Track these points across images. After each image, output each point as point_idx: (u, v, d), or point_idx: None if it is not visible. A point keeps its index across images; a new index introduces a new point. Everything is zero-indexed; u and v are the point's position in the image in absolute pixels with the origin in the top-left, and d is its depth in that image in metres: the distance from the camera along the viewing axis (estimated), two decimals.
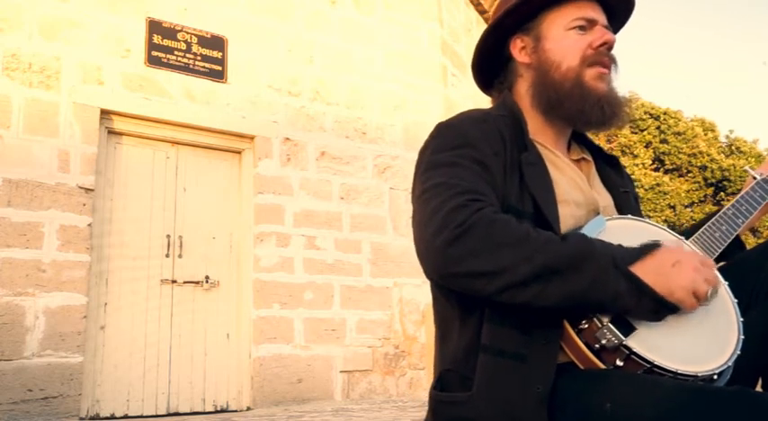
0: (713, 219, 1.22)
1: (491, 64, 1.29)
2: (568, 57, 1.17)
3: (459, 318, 1.08)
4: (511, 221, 0.98)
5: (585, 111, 1.16)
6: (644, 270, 0.95)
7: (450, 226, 0.97)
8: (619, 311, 0.96)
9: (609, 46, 1.18)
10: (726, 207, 1.26)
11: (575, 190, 1.16)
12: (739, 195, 1.29)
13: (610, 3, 1.24)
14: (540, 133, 1.21)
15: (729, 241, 1.19)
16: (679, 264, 0.97)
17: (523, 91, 1.24)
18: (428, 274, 1.03)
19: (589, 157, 1.28)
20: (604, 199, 1.21)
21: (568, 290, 0.94)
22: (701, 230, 1.20)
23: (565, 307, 0.97)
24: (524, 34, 1.22)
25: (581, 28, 1.18)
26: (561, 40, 1.18)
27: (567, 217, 1.10)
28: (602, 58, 1.17)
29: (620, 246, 0.99)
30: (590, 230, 1.05)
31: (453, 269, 0.97)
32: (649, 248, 0.98)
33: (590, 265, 0.94)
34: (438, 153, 1.10)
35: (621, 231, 1.07)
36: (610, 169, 1.29)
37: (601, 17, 1.20)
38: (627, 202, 1.24)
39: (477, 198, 1.00)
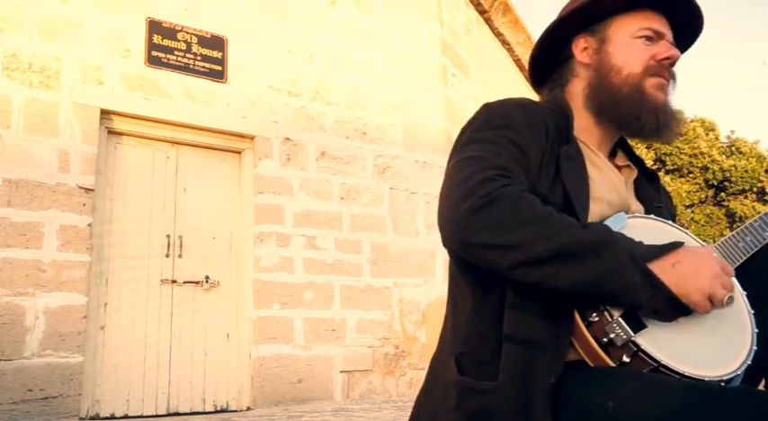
0: (738, 229, 1.20)
1: (549, 61, 1.29)
2: (631, 63, 1.17)
3: (476, 300, 1.08)
4: (536, 201, 0.98)
5: (641, 118, 1.16)
6: (662, 268, 0.95)
7: (476, 195, 0.97)
8: (630, 305, 0.95)
9: (673, 61, 1.18)
10: (753, 219, 1.24)
11: (610, 190, 1.16)
12: None
13: (679, 21, 1.24)
14: (586, 133, 1.21)
15: (753, 253, 1.17)
16: (699, 267, 0.96)
17: (578, 91, 1.24)
18: (446, 241, 1.02)
19: (633, 167, 1.27)
20: (637, 206, 1.20)
21: (582, 275, 0.93)
22: (724, 238, 1.18)
23: (576, 292, 0.96)
24: (589, 35, 1.23)
25: (648, 38, 1.19)
26: (626, 46, 1.19)
27: (596, 215, 1.09)
28: (664, 71, 1.18)
29: (641, 242, 0.98)
30: (610, 225, 1.04)
31: (472, 238, 0.97)
32: (670, 247, 0.98)
33: (607, 255, 0.94)
34: (479, 131, 1.11)
35: (643, 230, 1.05)
36: (648, 184, 1.29)
37: (668, 32, 1.21)
38: (659, 216, 1.22)
39: (506, 174, 1.01)
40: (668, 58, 1.18)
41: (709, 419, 0.84)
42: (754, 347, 1.01)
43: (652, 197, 1.26)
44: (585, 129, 1.21)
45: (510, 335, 1.01)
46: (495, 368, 1.01)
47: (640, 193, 1.25)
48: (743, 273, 1.14)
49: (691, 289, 0.94)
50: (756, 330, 1.03)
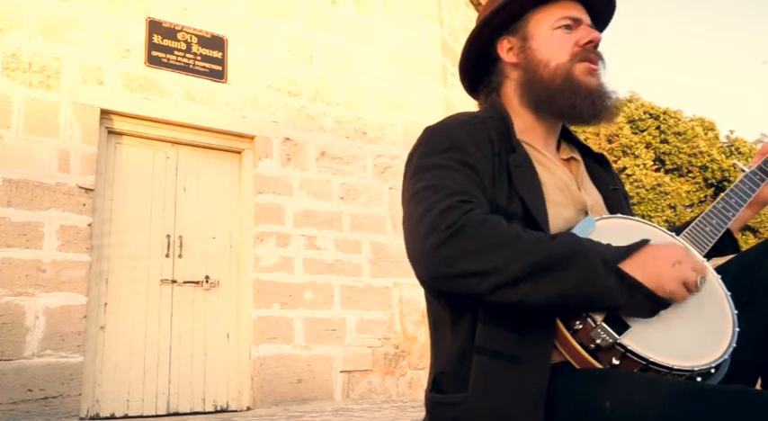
0: (703, 214, 1.22)
1: (477, 67, 1.31)
2: (557, 54, 1.19)
3: (452, 320, 1.09)
4: (501, 222, 0.99)
5: (577, 106, 1.17)
6: (632, 266, 0.96)
7: (441, 227, 0.97)
8: (610, 308, 0.96)
9: (595, 43, 1.20)
10: (715, 201, 1.26)
11: (563, 191, 1.17)
12: (729, 188, 1.29)
13: (592, 5, 1.26)
14: (529, 132, 1.22)
15: (720, 235, 1.19)
16: (666, 257, 0.98)
17: (511, 91, 1.25)
18: (420, 277, 1.03)
19: (578, 156, 1.28)
20: (593, 198, 1.22)
21: (558, 287, 0.94)
22: (691, 225, 1.20)
23: (556, 305, 0.97)
24: (511, 35, 1.24)
25: (567, 27, 1.20)
26: (548, 38, 1.20)
27: (556, 218, 1.10)
28: (590, 54, 1.19)
29: (609, 245, 0.99)
30: (580, 230, 1.05)
31: (445, 270, 0.97)
32: (637, 246, 0.99)
33: (579, 263, 0.94)
34: (426, 157, 1.11)
35: (612, 230, 1.07)
36: (599, 167, 1.30)
37: (585, 16, 1.23)
38: (616, 200, 1.25)
39: (466, 199, 1.01)
40: (591, 42, 1.19)
41: (707, 418, 0.84)
42: (737, 329, 1.02)
43: (606, 180, 1.27)
44: (528, 129, 1.22)
45: (480, 347, 1.01)
46: (468, 382, 1.02)
47: (595, 179, 1.27)
48: (736, 272, 1.15)
49: (664, 279, 0.96)
50: (736, 311, 1.04)
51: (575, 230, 1.06)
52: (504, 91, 1.26)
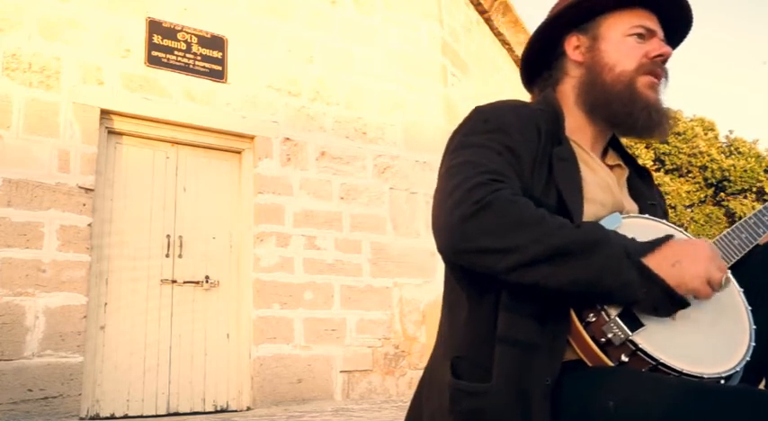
0: (734, 226, 1.21)
1: (539, 60, 1.29)
2: (624, 61, 1.18)
3: (471, 304, 1.08)
4: (529, 204, 0.98)
5: (633, 115, 1.16)
6: (656, 261, 0.95)
7: (469, 201, 0.97)
8: (627, 301, 0.95)
9: (665, 58, 1.19)
10: (748, 216, 1.24)
11: (604, 191, 1.16)
12: (764, 205, 1.26)
13: (669, 19, 1.24)
14: (579, 133, 1.21)
15: (748, 250, 1.17)
16: (692, 254, 0.97)
17: (569, 89, 1.24)
18: (441, 248, 1.03)
19: (624, 166, 1.28)
20: (630, 205, 1.20)
21: (578, 274, 0.94)
22: (719, 236, 1.18)
23: (572, 291, 0.96)
24: (581, 33, 1.23)
25: (640, 36, 1.19)
26: (619, 43, 1.19)
27: (590, 216, 1.09)
28: (657, 68, 1.18)
29: (633, 239, 0.99)
30: (606, 225, 1.04)
31: (466, 244, 0.97)
32: (662, 241, 0.98)
33: (601, 252, 0.94)
34: (471, 135, 1.10)
35: (637, 229, 1.05)
36: (640, 182, 1.29)
37: (659, 30, 1.21)
38: (653, 214, 1.22)
39: (499, 178, 1.01)
40: (661, 56, 1.18)
41: (711, 418, 0.84)
42: (752, 344, 1.01)
43: (645, 195, 1.26)
44: (578, 129, 1.21)
45: (503, 336, 1.01)
46: (489, 370, 1.01)
47: (634, 192, 1.25)
48: (743, 272, 1.14)
49: (688, 277, 0.95)
50: (754, 327, 1.03)
51: (601, 223, 1.05)
52: (562, 88, 1.25)
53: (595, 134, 1.23)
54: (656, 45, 1.19)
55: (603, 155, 1.27)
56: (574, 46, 1.23)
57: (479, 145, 1.07)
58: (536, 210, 0.97)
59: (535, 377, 0.97)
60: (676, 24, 1.26)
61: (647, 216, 1.14)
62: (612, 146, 1.29)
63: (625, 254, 0.94)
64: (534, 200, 1.03)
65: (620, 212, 1.13)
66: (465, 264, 1.02)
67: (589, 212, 1.09)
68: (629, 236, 0.99)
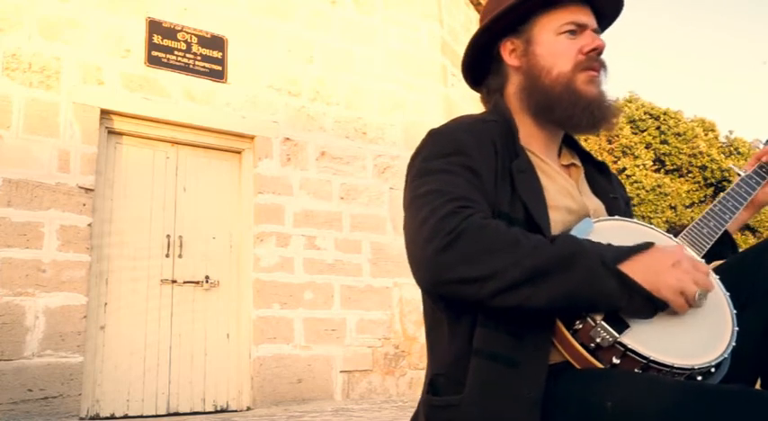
0: (700, 216, 1.23)
1: (481, 64, 1.29)
2: (559, 62, 1.17)
3: (450, 323, 1.08)
4: (500, 226, 0.98)
5: (575, 116, 1.16)
6: (633, 268, 0.95)
7: (441, 233, 0.97)
8: (610, 310, 0.96)
9: (599, 51, 1.18)
10: (712, 204, 1.27)
11: (565, 196, 1.16)
12: (726, 191, 1.30)
13: (599, 5, 1.24)
14: (531, 139, 1.21)
15: (717, 237, 1.20)
16: (668, 264, 0.97)
17: (512, 94, 1.24)
18: (420, 282, 1.03)
19: (579, 163, 1.28)
20: (594, 204, 1.21)
21: (558, 290, 0.94)
22: (688, 227, 1.20)
23: (556, 308, 0.97)
24: (515, 37, 1.22)
25: (571, 32, 1.19)
26: (552, 44, 1.19)
27: (558, 223, 1.10)
28: (593, 62, 1.18)
29: (609, 245, 0.99)
30: (579, 232, 1.05)
31: (445, 276, 0.97)
32: (640, 248, 0.99)
33: (579, 265, 0.94)
34: (429, 160, 1.10)
35: (610, 232, 1.07)
36: (599, 175, 1.29)
37: (591, 21, 1.21)
38: (617, 208, 1.24)
39: (467, 204, 1.01)
40: (594, 50, 1.18)
41: (708, 418, 0.84)
42: (736, 328, 1.02)
43: (606, 189, 1.26)
44: (529, 135, 1.21)
45: (478, 349, 1.01)
46: (464, 384, 1.01)
47: (594, 187, 1.26)
48: (734, 271, 1.15)
49: (661, 286, 0.95)
50: (735, 311, 1.04)
51: (573, 231, 1.05)
52: (507, 93, 1.25)
53: (547, 137, 1.23)
54: (589, 39, 1.18)
55: (559, 154, 1.27)
56: (509, 50, 1.23)
57: (441, 170, 1.06)
58: (509, 232, 0.97)
59: (512, 390, 0.97)
60: (606, 4, 1.25)
61: (616, 217, 1.14)
62: (566, 143, 1.29)
63: (602, 263, 0.94)
64: (504, 216, 1.04)
65: (589, 215, 1.14)
66: (446, 295, 1.02)
67: (556, 220, 1.09)
68: (604, 241, 1.00)
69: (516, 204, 1.08)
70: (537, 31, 1.20)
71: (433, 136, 1.15)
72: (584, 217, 1.14)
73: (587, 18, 1.20)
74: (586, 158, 1.31)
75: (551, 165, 1.20)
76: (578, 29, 1.19)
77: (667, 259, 0.97)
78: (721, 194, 1.29)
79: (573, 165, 1.27)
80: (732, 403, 0.84)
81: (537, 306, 0.95)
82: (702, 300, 0.98)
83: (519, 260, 0.94)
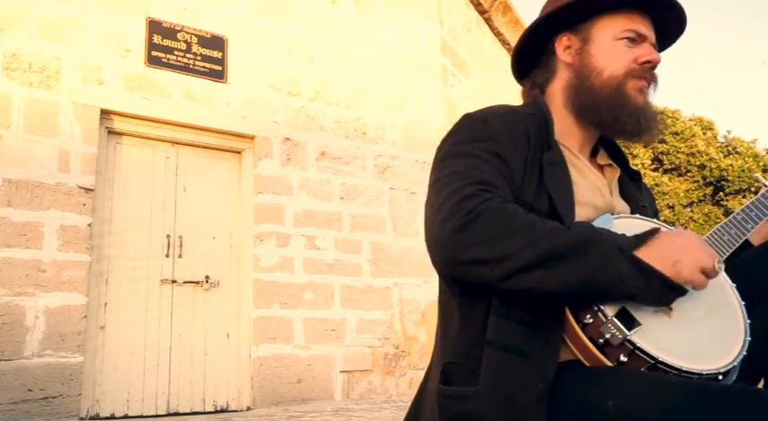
0: (723, 223, 1.22)
1: (532, 55, 1.29)
2: (613, 66, 1.17)
3: (463, 310, 1.08)
4: (518, 211, 0.99)
5: (621, 120, 1.16)
6: (649, 254, 0.95)
7: (459, 214, 0.98)
8: (625, 296, 0.96)
9: (653, 65, 1.19)
10: (736, 211, 1.25)
11: (594, 193, 1.16)
12: (751, 201, 1.28)
13: (662, 22, 1.24)
14: (567, 135, 1.21)
15: (738, 245, 1.19)
16: (682, 244, 0.97)
17: (558, 89, 1.23)
18: (435, 261, 1.03)
19: (615, 166, 1.27)
20: (622, 206, 1.21)
21: (572, 275, 0.94)
22: (709, 233, 1.19)
23: (569, 293, 0.96)
24: (573, 33, 1.22)
25: (630, 40, 1.18)
26: (609, 47, 1.18)
27: (583, 219, 1.09)
28: (646, 73, 1.18)
29: (623, 234, 0.99)
30: (597, 226, 1.04)
31: (459, 256, 0.97)
32: (650, 234, 0.99)
33: (594, 251, 0.94)
34: (460, 143, 1.11)
35: (629, 228, 1.06)
36: (630, 183, 1.29)
37: (651, 34, 1.21)
38: (644, 215, 1.22)
39: (488, 189, 1.01)
40: (649, 62, 1.18)
41: (711, 418, 0.84)
42: (748, 338, 1.02)
43: (635, 196, 1.26)
44: (566, 132, 1.21)
45: (492, 340, 1.01)
46: (479, 375, 1.01)
47: (625, 192, 1.26)
48: (741, 271, 1.15)
49: (681, 266, 0.95)
50: (749, 321, 1.04)
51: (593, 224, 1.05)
52: (551, 88, 1.25)
53: (584, 136, 1.23)
54: (646, 51, 1.18)
55: (594, 155, 1.27)
56: (564, 46, 1.23)
57: (468, 154, 1.07)
58: (526, 216, 0.98)
59: (524, 382, 0.97)
60: (669, 26, 1.26)
61: (638, 216, 1.14)
62: (604, 145, 1.29)
63: (617, 249, 0.94)
64: (526, 205, 1.03)
65: (612, 213, 1.14)
66: (459, 276, 1.03)
67: (581, 215, 1.09)
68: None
69: (542, 196, 1.08)
70: (596, 32, 1.20)
71: (467, 120, 1.15)
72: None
73: (648, 30, 1.20)
74: (621, 163, 1.30)
75: (584, 160, 1.21)
76: (638, 38, 1.19)
77: (678, 240, 0.98)
78: (746, 202, 1.28)
79: (609, 165, 1.27)
80: (735, 403, 0.84)
81: (550, 289, 0.95)
82: (720, 269, 0.98)
83: (534, 242, 0.94)
